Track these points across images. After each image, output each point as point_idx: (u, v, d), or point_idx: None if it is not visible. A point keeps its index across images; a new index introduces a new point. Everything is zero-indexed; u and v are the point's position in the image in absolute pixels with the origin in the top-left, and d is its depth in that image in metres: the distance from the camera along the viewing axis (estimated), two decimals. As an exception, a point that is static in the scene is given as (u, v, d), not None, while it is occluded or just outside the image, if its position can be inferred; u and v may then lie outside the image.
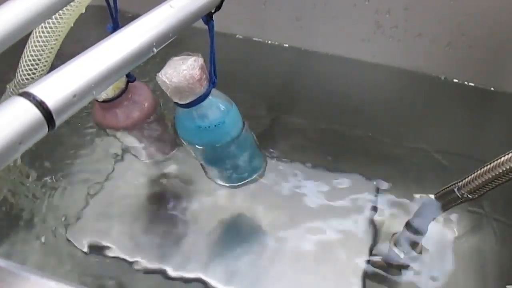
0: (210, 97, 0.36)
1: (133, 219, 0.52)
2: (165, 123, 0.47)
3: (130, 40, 0.22)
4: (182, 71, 0.33)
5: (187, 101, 0.35)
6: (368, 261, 0.47)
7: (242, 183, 0.44)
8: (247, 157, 0.42)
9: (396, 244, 0.44)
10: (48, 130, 0.18)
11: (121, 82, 0.40)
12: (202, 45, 0.34)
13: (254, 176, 0.44)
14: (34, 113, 0.18)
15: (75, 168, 0.56)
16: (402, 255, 0.43)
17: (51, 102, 0.18)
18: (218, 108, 0.37)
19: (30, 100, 0.18)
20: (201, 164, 0.42)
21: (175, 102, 0.35)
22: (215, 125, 0.37)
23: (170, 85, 0.33)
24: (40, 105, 0.18)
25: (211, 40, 0.33)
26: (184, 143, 0.39)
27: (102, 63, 0.20)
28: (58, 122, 0.18)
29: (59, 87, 0.19)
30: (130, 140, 0.46)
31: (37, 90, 0.18)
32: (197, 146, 0.39)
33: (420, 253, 0.44)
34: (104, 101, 0.40)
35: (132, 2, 0.54)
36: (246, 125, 0.40)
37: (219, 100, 0.37)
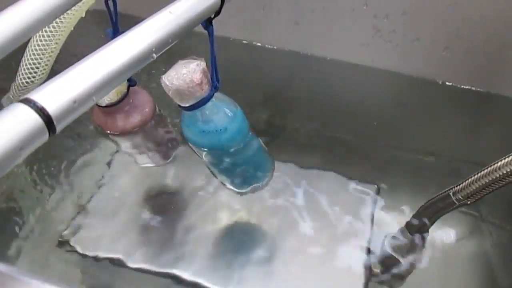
0: (214, 100, 0.36)
1: (131, 223, 0.52)
2: (166, 127, 0.47)
3: (129, 46, 0.22)
4: (182, 74, 0.34)
5: (188, 104, 0.35)
6: (369, 265, 0.47)
7: (249, 189, 0.44)
8: (254, 163, 0.42)
9: (396, 249, 0.44)
10: (49, 136, 0.18)
11: (123, 86, 0.40)
12: (203, 49, 0.34)
13: (262, 182, 0.44)
14: (35, 119, 0.18)
15: (73, 171, 0.56)
16: (403, 262, 0.43)
17: (51, 108, 0.18)
18: (223, 112, 0.37)
19: (31, 107, 0.18)
20: (209, 168, 0.43)
21: (178, 105, 0.36)
22: (219, 130, 0.37)
23: (171, 88, 0.34)
24: (41, 111, 0.18)
25: (211, 45, 0.33)
26: (190, 145, 0.39)
27: (102, 69, 0.21)
28: (59, 128, 0.19)
29: (59, 93, 0.19)
30: (130, 144, 0.46)
31: (38, 96, 0.18)
32: (202, 149, 0.39)
33: (422, 261, 0.44)
34: (105, 106, 0.40)
35: (132, 6, 0.55)
36: (254, 132, 0.40)
37: (225, 104, 0.37)
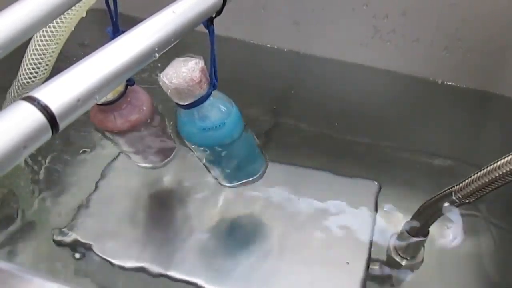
0: (211, 98, 0.36)
1: (129, 223, 0.52)
2: (164, 128, 0.47)
3: (132, 45, 0.22)
4: (182, 73, 0.34)
5: (187, 102, 0.35)
6: (369, 265, 0.47)
7: (241, 182, 0.44)
8: (248, 158, 0.43)
9: (396, 249, 0.44)
10: (52, 134, 0.18)
11: (120, 86, 0.40)
12: (203, 47, 0.34)
13: (255, 177, 0.44)
14: (38, 117, 0.18)
15: (72, 170, 0.56)
16: (403, 262, 0.43)
17: (55, 107, 0.18)
18: (219, 109, 0.37)
19: (34, 105, 0.18)
20: (204, 164, 0.43)
21: (175, 103, 0.36)
22: (216, 126, 0.37)
23: (170, 86, 0.34)
24: (44, 109, 0.18)
25: (211, 44, 0.33)
26: (186, 142, 0.40)
27: (105, 68, 0.21)
28: (62, 126, 0.18)
29: (63, 91, 0.19)
30: (128, 143, 0.46)
31: (41, 94, 0.18)
32: (198, 146, 0.39)
33: (422, 261, 0.44)
34: (103, 104, 0.40)
35: (132, 6, 0.55)
36: (248, 128, 0.40)
37: (220, 101, 0.38)
